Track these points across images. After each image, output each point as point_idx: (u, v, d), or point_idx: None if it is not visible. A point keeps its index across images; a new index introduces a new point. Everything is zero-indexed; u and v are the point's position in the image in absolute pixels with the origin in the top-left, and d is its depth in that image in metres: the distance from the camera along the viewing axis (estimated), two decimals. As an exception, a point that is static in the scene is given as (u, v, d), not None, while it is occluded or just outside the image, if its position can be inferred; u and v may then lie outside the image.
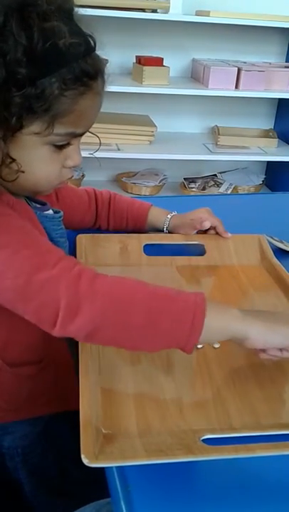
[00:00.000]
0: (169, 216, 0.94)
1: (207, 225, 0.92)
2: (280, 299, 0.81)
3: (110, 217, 0.95)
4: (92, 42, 0.60)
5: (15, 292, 0.57)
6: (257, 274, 0.89)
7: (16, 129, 0.57)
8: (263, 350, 0.61)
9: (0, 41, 0.53)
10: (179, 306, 0.57)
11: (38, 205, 0.75)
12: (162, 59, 2.17)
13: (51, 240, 0.73)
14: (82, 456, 0.47)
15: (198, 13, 2.15)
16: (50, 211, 0.76)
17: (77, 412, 0.52)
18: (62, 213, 0.77)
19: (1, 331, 0.70)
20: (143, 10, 2.04)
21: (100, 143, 0.78)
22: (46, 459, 0.79)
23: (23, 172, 0.61)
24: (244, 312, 0.60)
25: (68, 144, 0.63)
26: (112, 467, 0.52)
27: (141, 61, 2.15)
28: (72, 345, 0.66)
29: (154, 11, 2.07)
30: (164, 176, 2.44)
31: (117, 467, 0.52)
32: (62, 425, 0.78)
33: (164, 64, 2.17)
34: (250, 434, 0.55)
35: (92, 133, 0.74)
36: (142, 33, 2.27)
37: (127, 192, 2.33)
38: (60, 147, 0.62)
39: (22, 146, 0.59)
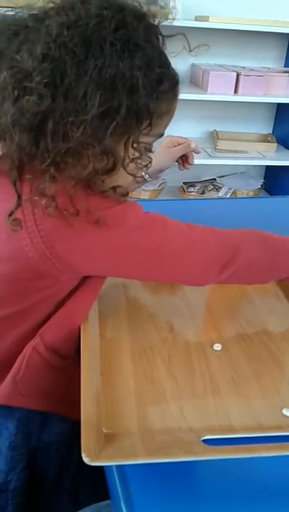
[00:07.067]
0: None
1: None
2: (280, 300, 0.82)
3: None
4: None
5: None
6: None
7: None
8: None
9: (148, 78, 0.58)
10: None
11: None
12: (161, 63, 2.17)
13: None
14: (83, 455, 0.47)
15: (197, 19, 2.16)
16: None
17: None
18: None
19: (47, 308, 0.67)
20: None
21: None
22: (72, 455, 0.78)
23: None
24: None
25: None
26: (112, 468, 0.52)
27: (140, 66, 2.15)
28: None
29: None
30: (163, 180, 2.44)
31: (117, 468, 0.52)
32: None
33: (164, 68, 2.17)
34: (250, 435, 0.55)
35: None
36: (142, 38, 2.28)
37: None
38: None
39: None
